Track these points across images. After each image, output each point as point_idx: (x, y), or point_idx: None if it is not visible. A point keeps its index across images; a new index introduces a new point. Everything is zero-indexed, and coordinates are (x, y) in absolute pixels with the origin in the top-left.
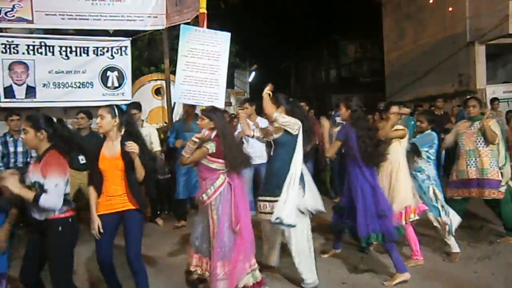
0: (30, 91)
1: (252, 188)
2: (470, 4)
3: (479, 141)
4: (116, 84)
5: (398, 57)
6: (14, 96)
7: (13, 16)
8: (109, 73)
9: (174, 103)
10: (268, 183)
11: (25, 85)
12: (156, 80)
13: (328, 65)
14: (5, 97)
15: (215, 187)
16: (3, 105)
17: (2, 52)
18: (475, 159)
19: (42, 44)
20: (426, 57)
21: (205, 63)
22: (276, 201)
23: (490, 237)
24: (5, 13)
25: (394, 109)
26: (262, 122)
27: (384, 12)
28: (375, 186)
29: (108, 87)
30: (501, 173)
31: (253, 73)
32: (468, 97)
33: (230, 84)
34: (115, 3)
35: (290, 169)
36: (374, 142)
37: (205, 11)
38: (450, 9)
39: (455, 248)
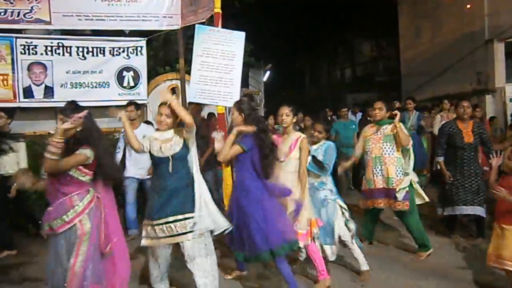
0: (48, 91)
1: (136, 204)
2: (489, 1)
3: (384, 148)
4: (132, 84)
5: (414, 55)
6: (33, 96)
7: (31, 17)
8: (125, 73)
9: (189, 103)
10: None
11: (43, 85)
12: (171, 79)
13: (343, 64)
14: (24, 97)
15: (84, 203)
16: (22, 105)
17: (21, 53)
18: (381, 167)
19: (60, 45)
20: (443, 56)
21: (220, 63)
22: (188, 218)
23: None
24: (24, 15)
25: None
26: None
27: (400, 10)
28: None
29: (124, 87)
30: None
31: (268, 73)
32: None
33: (244, 83)
34: (131, 3)
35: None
36: (273, 153)
37: (220, 11)
38: (468, 6)
39: (364, 265)
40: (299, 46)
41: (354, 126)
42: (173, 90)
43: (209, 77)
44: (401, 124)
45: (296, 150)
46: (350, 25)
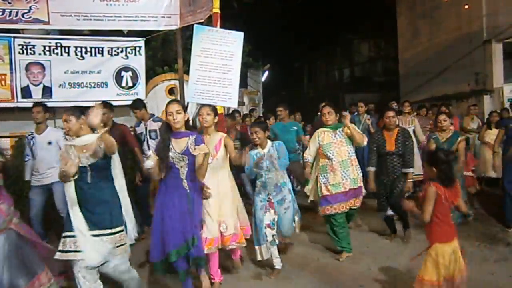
0: (47, 91)
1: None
2: (487, 1)
3: (349, 150)
4: (130, 84)
5: (413, 56)
6: (31, 96)
7: (30, 17)
8: (123, 73)
9: (188, 103)
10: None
11: (41, 85)
12: (169, 80)
13: (341, 65)
14: (22, 97)
15: None
16: (20, 105)
17: (19, 53)
18: (350, 169)
19: (58, 44)
20: (441, 56)
21: (218, 63)
22: (114, 233)
23: (507, 239)
24: (22, 15)
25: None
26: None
27: (399, 10)
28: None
29: (122, 87)
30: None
31: (266, 73)
32: (322, 104)
33: (243, 83)
34: (129, 3)
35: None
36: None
37: (219, 11)
38: (466, 6)
39: (278, 264)
40: (298, 46)
41: (296, 128)
42: (172, 91)
43: (208, 77)
44: (352, 124)
45: (221, 150)
46: (349, 25)
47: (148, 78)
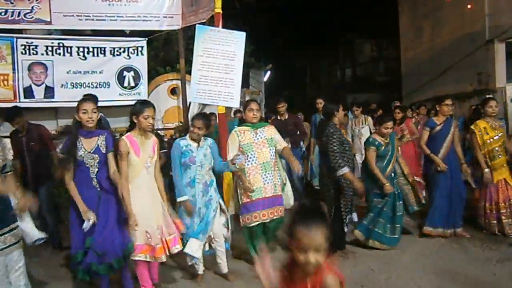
0: (49, 91)
1: None
2: (489, 1)
3: (271, 152)
4: (132, 84)
5: (415, 56)
6: (33, 96)
7: (32, 17)
8: (125, 73)
9: (190, 103)
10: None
11: (44, 86)
12: (171, 80)
13: (343, 64)
14: (25, 97)
15: None
16: (22, 105)
17: (21, 53)
18: (271, 173)
19: (60, 45)
20: (443, 56)
21: (220, 63)
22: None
23: (509, 239)
24: (24, 15)
25: None
26: None
27: (401, 10)
28: None
29: (125, 87)
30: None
31: (268, 73)
32: (248, 99)
33: (245, 83)
34: (131, 3)
35: None
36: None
37: (221, 11)
38: (469, 6)
39: (225, 268)
40: (300, 46)
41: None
42: (174, 91)
43: (210, 77)
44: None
45: (156, 153)
46: (351, 25)
47: (150, 78)
